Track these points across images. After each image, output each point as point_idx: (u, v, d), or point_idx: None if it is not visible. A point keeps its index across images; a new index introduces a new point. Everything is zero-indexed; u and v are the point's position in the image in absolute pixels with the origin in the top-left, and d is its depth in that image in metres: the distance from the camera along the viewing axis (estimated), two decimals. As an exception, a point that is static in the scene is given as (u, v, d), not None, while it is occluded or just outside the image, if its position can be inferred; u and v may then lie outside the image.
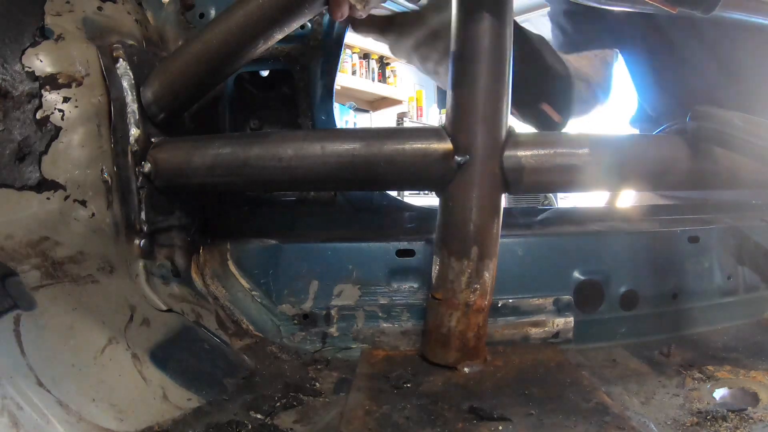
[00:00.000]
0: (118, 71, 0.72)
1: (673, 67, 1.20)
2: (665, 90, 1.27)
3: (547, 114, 0.96)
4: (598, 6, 0.74)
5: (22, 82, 0.64)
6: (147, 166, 0.73)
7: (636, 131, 1.44)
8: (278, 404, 0.64)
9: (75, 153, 0.67)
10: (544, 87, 0.98)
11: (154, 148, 0.75)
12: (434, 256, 0.73)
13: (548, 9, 1.38)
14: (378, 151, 0.70)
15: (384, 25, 0.95)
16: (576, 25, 1.29)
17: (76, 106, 0.67)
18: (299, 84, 0.98)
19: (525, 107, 0.96)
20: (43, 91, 0.65)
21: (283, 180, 0.74)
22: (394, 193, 1.18)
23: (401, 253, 0.82)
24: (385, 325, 0.81)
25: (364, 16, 0.77)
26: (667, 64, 1.21)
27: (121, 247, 0.72)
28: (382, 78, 4.83)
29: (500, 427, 0.56)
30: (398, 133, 0.72)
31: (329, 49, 0.96)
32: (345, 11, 0.72)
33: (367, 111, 5.01)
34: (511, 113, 0.89)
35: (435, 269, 0.73)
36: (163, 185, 0.76)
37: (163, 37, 0.88)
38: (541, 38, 1.00)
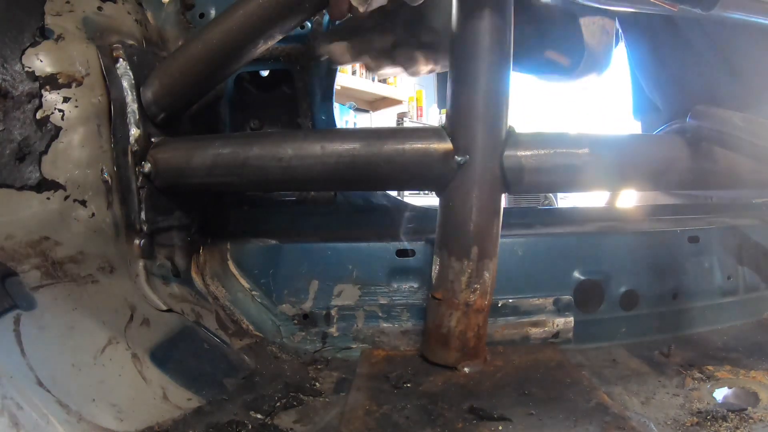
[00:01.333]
0: (118, 71, 0.72)
1: (679, 59, 1.20)
2: (672, 81, 1.26)
3: (554, 59, 0.89)
4: (600, 6, 0.74)
5: (22, 82, 0.64)
6: (147, 166, 0.73)
7: (639, 123, 1.44)
8: (278, 404, 0.64)
9: (75, 153, 0.67)
10: (545, 32, 0.93)
11: (154, 148, 0.75)
12: (434, 256, 0.73)
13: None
14: (378, 151, 0.70)
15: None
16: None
17: (76, 106, 0.67)
18: (299, 84, 0.98)
19: (529, 58, 0.91)
20: (43, 91, 0.65)
21: (283, 180, 0.74)
22: (394, 193, 1.18)
23: (401, 253, 0.82)
24: (385, 325, 0.81)
25: (365, 16, 0.76)
26: (675, 55, 1.20)
27: (121, 247, 0.72)
28: (382, 78, 4.82)
29: (500, 427, 0.56)
30: (398, 133, 0.72)
31: (329, 49, 0.96)
32: (345, 11, 0.72)
33: (367, 111, 5.00)
34: (516, 69, 0.83)
35: (435, 269, 0.73)
36: (163, 185, 0.76)
37: (163, 37, 0.88)
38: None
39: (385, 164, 0.70)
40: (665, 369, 0.73)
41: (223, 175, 0.74)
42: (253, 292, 0.83)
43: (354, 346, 0.81)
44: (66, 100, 0.67)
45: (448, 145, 0.68)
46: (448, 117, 0.70)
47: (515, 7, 0.69)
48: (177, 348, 0.68)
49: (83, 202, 0.68)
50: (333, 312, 0.81)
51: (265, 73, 1.04)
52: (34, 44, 0.65)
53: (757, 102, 1.14)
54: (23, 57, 0.64)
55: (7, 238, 0.60)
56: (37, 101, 0.65)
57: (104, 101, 0.71)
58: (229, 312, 0.83)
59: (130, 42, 0.76)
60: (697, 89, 1.18)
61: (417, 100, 5.43)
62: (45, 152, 0.65)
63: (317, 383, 0.71)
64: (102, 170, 0.70)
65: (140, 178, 0.74)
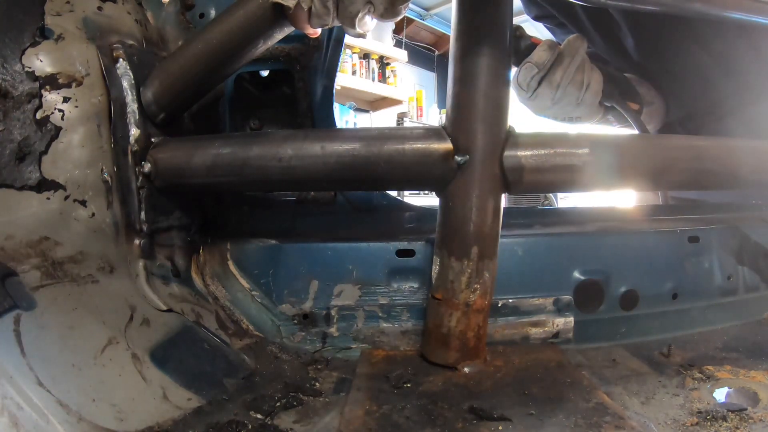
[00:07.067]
0: (118, 71, 0.72)
1: (677, 62, 1.20)
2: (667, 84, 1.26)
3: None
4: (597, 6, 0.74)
5: (22, 82, 0.64)
6: (147, 166, 0.73)
7: None
8: (278, 404, 0.64)
9: (75, 153, 0.67)
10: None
11: (154, 148, 0.75)
12: (434, 256, 0.73)
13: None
14: (378, 151, 0.70)
15: None
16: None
17: (76, 106, 0.67)
18: (299, 84, 0.98)
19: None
20: (43, 91, 0.65)
21: (283, 180, 0.74)
22: (394, 193, 1.18)
23: (401, 253, 0.82)
24: (385, 325, 0.81)
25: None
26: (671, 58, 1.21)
27: (121, 247, 0.72)
28: (382, 78, 4.81)
29: (500, 427, 0.56)
30: (398, 133, 0.72)
31: (329, 49, 0.96)
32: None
33: (367, 111, 5.01)
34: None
35: (435, 269, 0.73)
36: (163, 185, 0.76)
37: (163, 37, 0.88)
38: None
39: (385, 164, 0.70)
40: (665, 369, 0.73)
41: (223, 175, 0.74)
42: (253, 292, 0.83)
43: (354, 346, 0.81)
44: (66, 100, 0.67)
45: (448, 145, 0.68)
46: (448, 117, 0.70)
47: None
48: (177, 348, 0.68)
49: (83, 202, 0.68)
50: (333, 312, 0.81)
51: (265, 73, 1.04)
52: (34, 44, 0.65)
53: (755, 101, 1.14)
54: (23, 57, 0.64)
55: (7, 238, 0.60)
56: (37, 101, 0.65)
57: (104, 101, 0.71)
58: (229, 312, 0.83)
59: (130, 42, 0.76)
60: (693, 90, 1.18)
61: (417, 100, 5.44)
62: (45, 152, 0.65)
63: (317, 383, 0.71)
64: (102, 170, 0.70)
65: (140, 178, 0.74)
